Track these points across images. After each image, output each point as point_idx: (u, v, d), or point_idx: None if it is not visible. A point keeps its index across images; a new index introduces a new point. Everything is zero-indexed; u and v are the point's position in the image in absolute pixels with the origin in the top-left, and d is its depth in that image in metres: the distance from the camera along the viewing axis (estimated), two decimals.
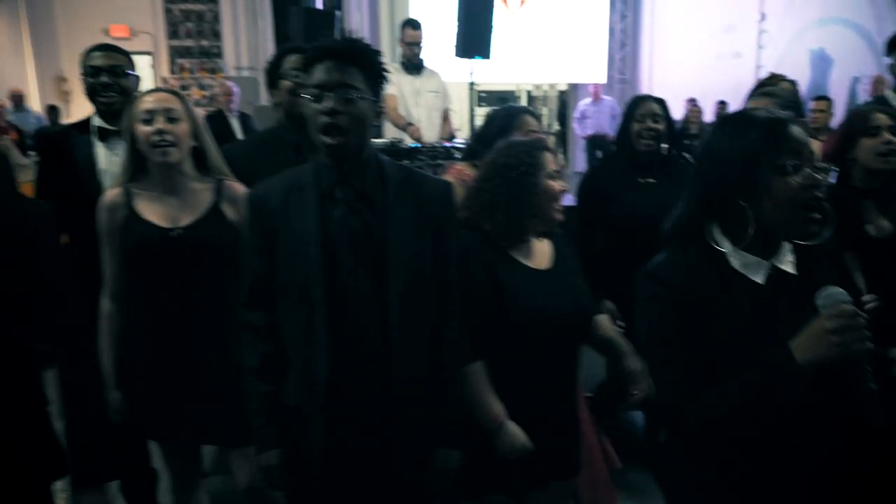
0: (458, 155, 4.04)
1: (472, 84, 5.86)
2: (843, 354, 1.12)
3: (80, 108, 8.69)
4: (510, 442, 1.68)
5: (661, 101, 2.74)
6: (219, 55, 10.52)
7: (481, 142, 2.24)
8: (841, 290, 1.16)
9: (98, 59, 2.34)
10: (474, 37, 5.44)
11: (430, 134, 4.45)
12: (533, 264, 1.78)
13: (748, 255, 1.27)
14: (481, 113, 5.35)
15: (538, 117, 2.42)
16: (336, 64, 1.47)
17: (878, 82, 5.94)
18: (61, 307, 1.77)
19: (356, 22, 8.93)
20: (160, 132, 1.81)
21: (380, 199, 1.55)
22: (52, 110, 9.11)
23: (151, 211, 1.86)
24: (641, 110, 2.68)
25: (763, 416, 1.20)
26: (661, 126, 2.66)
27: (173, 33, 10.40)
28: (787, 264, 1.29)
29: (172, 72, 10.33)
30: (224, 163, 1.98)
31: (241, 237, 1.76)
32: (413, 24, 4.48)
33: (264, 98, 9.54)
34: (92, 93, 2.36)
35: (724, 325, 1.24)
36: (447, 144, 4.30)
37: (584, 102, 9.56)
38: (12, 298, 1.63)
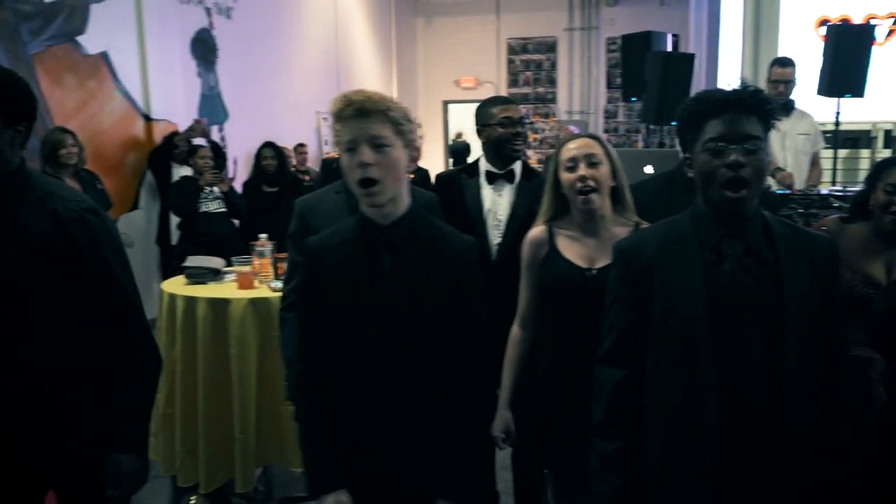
0: (836, 204, 3.69)
1: (837, 124, 5.33)
2: None
3: (426, 153, 9.78)
4: None
5: None
6: (553, 101, 11.10)
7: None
8: None
9: (511, 112, 2.53)
10: (845, 72, 4.96)
11: (798, 180, 4.13)
12: None
13: None
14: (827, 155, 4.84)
15: None
16: (738, 115, 1.40)
17: None
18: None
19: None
20: (583, 178, 1.89)
21: (769, 256, 1.43)
22: None
23: (571, 250, 1.95)
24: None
25: None
26: None
27: (513, 81, 11.24)
28: None
29: None
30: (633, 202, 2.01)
31: None
32: (783, 62, 4.20)
33: None
34: (502, 141, 2.51)
35: None
36: (822, 192, 3.94)
37: None
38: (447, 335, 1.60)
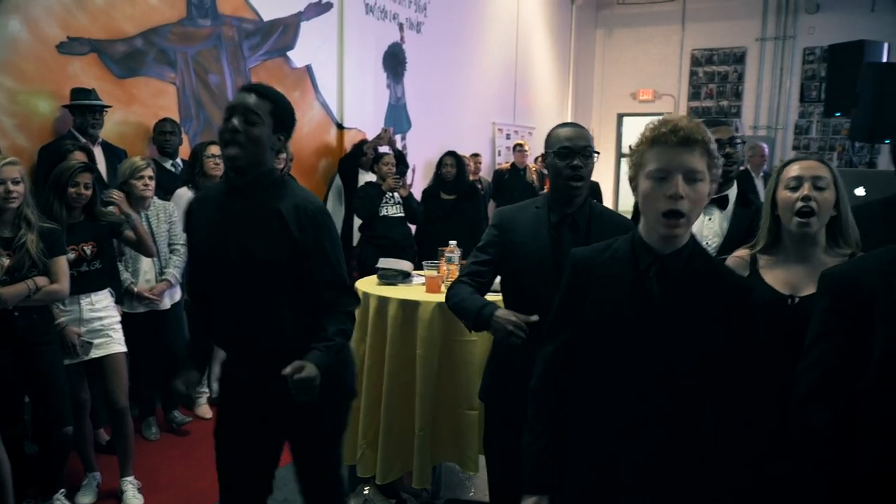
0: None
1: None
2: None
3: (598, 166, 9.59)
4: None
5: None
6: (737, 114, 10.49)
7: None
8: None
9: (721, 133, 2.41)
10: None
11: None
12: None
13: None
14: None
15: None
16: None
17: None
18: None
19: None
20: (806, 199, 1.77)
21: None
22: None
23: (773, 275, 1.84)
24: None
25: None
26: None
27: (695, 94, 10.76)
28: None
29: None
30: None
31: None
32: None
33: (777, 159, 9.18)
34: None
35: None
36: None
37: None
38: None
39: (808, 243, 1.81)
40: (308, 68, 5.62)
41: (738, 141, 2.45)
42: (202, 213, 2.05)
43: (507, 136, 8.85)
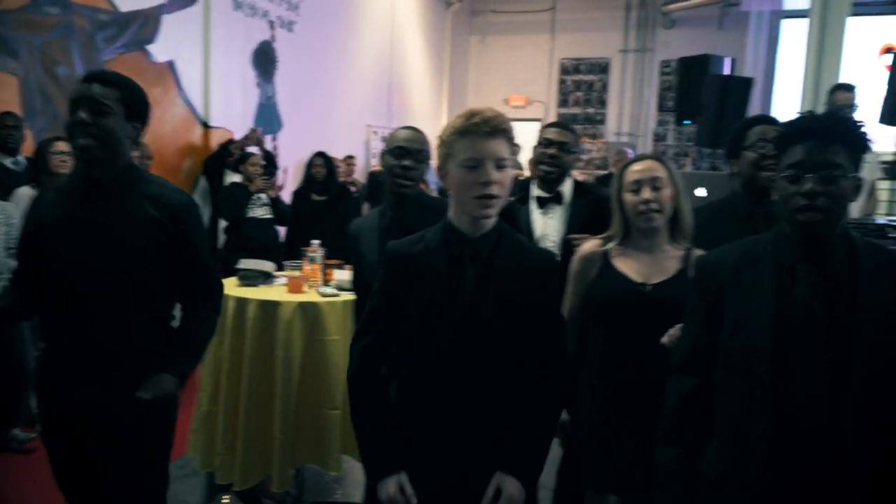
0: (892, 234, 3.59)
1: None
2: None
3: None
4: None
5: None
6: (602, 122, 11.06)
7: None
8: None
9: (551, 134, 2.59)
10: None
11: (855, 209, 4.04)
12: None
13: None
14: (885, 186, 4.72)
15: None
16: (818, 143, 1.39)
17: None
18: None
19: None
20: (646, 202, 1.92)
21: (848, 284, 1.40)
22: None
23: (627, 266, 1.98)
24: None
25: None
26: None
27: (563, 102, 11.24)
28: None
29: None
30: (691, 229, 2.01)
31: None
32: (846, 88, 4.14)
33: None
34: (538, 162, 2.60)
35: None
36: (879, 221, 3.85)
37: None
38: None
39: (654, 236, 1.98)
40: (171, 64, 5.38)
41: (574, 151, 2.59)
42: (48, 212, 1.86)
43: (382, 139, 8.88)
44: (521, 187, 2.69)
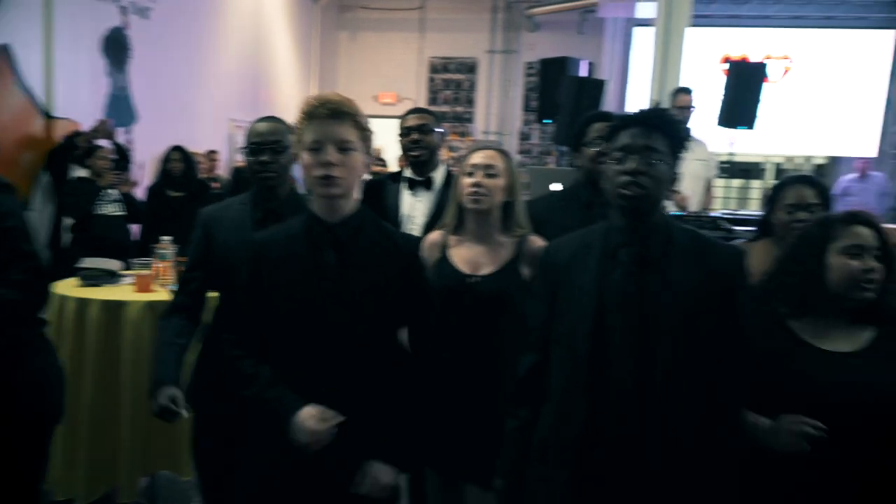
0: (725, 226, 3.93)
1: (731, 154, 5.69)
2: None
3: None
4: None
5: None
6: (470, 120, 11.30)
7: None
8: None
9: (409, 121, 2.67)
10: (741, 106, 5.30)
11: (693, 203, 4.38)
12: (832, 347, 1.66)
13: None
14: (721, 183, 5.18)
15: (822, 189, 2.17)
16: (642, 130, 1.53)
17: None
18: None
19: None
20: (476, 185, 1.97)
21: (662, 265, 1.52)
22: None
23: (459, 255, 2.02)
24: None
25: None
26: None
27: (433, 100, 11.37)
28: None
29: None
30: (527, 218, 2.10)
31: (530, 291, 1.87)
32: (686, 90, 4.50)
33: None
34: (404, 149, 2.66)
35: None
36: (713, 214, 4.19)
37: (849, 178, 8.73)
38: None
39: (486, 224, 2.02)
40: (6, 48, 4.93)
41: (438, 129, 2.65)
42: None
43: None
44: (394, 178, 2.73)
